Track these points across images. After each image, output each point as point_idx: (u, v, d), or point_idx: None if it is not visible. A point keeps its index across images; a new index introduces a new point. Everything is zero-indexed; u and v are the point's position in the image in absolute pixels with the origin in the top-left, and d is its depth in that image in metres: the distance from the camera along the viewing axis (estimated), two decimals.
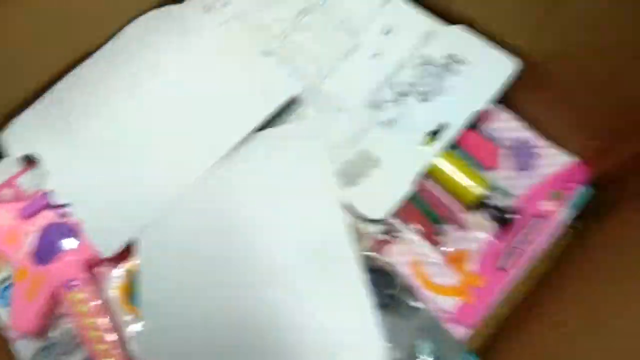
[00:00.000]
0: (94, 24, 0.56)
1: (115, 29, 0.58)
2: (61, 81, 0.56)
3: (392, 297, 0.48)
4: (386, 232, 0.51)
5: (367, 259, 0.49)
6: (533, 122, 0.56)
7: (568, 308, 0.47)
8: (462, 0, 0.55)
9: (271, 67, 0.55)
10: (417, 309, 0.48)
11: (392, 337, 0.46)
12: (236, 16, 0.59)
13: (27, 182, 0.54)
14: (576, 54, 0.48)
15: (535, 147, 0.55)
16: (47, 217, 0.51)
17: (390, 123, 0.53)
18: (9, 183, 0.54)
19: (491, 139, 0.55)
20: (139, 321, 0.48)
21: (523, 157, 0.55)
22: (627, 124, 0.48)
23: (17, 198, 0.53)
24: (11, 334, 0.49)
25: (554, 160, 0.55)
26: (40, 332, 0.48)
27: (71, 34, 0.54)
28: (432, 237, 0.51)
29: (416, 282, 0.50)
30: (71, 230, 0.49)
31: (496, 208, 0.51)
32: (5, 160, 0.55)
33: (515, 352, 0.48)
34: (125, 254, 0.50)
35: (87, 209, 0.50)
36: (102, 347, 0.46)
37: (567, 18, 0.47)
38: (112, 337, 0.46)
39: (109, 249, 0.48)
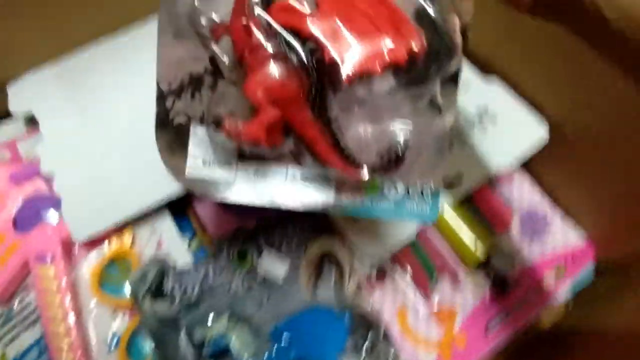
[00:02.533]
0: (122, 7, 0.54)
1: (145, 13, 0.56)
2: (82, 50, 0.54)
3: (368, 342, 0.46)
4: (379, 273, 0.49)
5: (353, 300, 0.47)
6: (550, 192, 0.55)
7: None
8: (503, 56, 0.53)
9: None
10: (394, 358, 0.46)
11: None
12: None
13: (27, 146, 0.52)
14: (604, 136, 0.47)
15: (550, 219, 0.53)
16: (35, 185, 0.48)
17: None
18: (9, 145, 0.52)
19: (506, 202, 0.53)
20: (104, 307, 0.46)
21: (535, 226, 0.53)
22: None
23: (13, 161, 0.51)
24: None
25: (565, 235, 0.53)
26: (4, 300, 0.46)
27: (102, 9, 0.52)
28: (424, 287, 0.49)
29: (398, 330, 0.47)
30: (57, 203, 0.47)
31: (496, 273, 0.49)
32: (10, 121, 0.53)
33: None
34: (104, 237, 0.48)
35: (70, 187, 0.47)
36: (60, 327, 0.43)
37: (599, 98, 0.45)
38: (71, 319, 0.44)
39: (81, 235, 0.46)
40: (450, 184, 0.50)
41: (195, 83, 0.35)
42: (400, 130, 0.34)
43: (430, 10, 0.33)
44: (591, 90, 0.45)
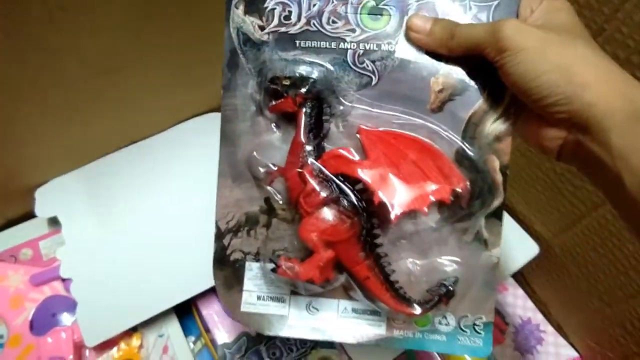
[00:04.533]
0: (148, 118, 0.57)
1: (167, 124, 0.59)
2: (105, 158, 0.57)
3: None
4: None
5: None
6: (542, 307, 0.57)
7: None
8: None
9: None
10: None
11: None
12: None
13: (48, 246, 0.54)
14: (589, 258, 0.49)
15: (543, 332, 0.55)
16: (54, 288, 0.51)
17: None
18: (32, 243, 0.54)
19: (500, 314, 0.56)
20: None
21: (528, 339, 0.55)
22: (631, 342, 0.48)
23: (34, 260, 0.53)
24: None
25: (558, 350, 0.54)
26: None
27: (124, 123, 0.56)
28: None
29: None
30: (73, 306, 0.49)
31: None
32: (35, 220, 0.56)
33: None
34: (115, 341, 0.49)
35: (86, 293, 0.49)
36: None
37: (589, 226, 0.48)
38: None
39: (93, 341, 0.48)
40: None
41: (251, 222, 0.36)
42: (448, 264, 0.35)
43: (470, 153, 0.34)
44: (575, 214, 0.48)
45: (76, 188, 0.55)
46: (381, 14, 0.34)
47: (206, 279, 0.49)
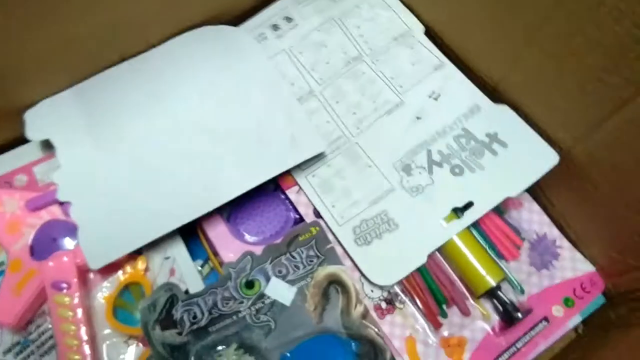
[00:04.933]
0: (140, 31, 0.55)
1: (162, 38, 0.57)
2: (96, 77, 0.55)
3: None
4: (388, 301, 0.49)
5: (361, 327, 0.47)
6: (560, 220, 0.55)
7: None
8: (511, 85, 0.53)
9: (305, 118, 0.54)
10: None
11: None
12: (287, 51, 0.58)
13: (43, 170, 0.53)
14: (620, 165, 0.46)
15: (559, 247, 0.53)
16: (52, 213, 0.50)
17: (417, 190, 0.51)
18: (26, 169, 0.53)
19: (516, 230, 0.53)
20: (119, 337, 0.47)
21: (544, 255, 0.53)
22: None
23: (30, 186, 0.52)
24: None
25: (574, 264, 0.53)
26: (20, 326, 0.47)
27: (116, 38, 0.53)
28: (433, 317, 0.49)
29: (407, 359, 0.47)
30: (73, 230, 0.48)
31: (505, 303, 0.49)
32: (27, 145, 0.54)
33: None
34: (119, 264, 0.49)
35: (87, 216, 0.48)
36: (75, 356, 0.44)
37: (617, 126, 0.45)
38: (86, 348, 0.45)
39: (97, 262, 0.47)
40: (461, 210, 0.50)
41: None
42: None
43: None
44: (602, 115, 0.45)
45: (68, 108, 0.53)
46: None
47: (211, 200, 0.49)
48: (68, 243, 0.49)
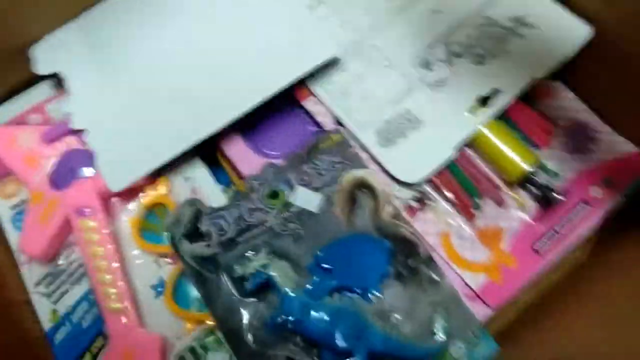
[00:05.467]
0: None
1: None
2: (99, 5, 0.53)
3: (413, 268, 0.44)
4: (418, 199, 0.48)
5: (392, 226, 0.46)
6: (594, 102, 0.52)
7: (596, 303, 0.43)
8: None
9: (316, 24, 0.52)
10: (437, 282, 0.45)
11: (410, 308, 0.43)
12: None
13: (56, 108, 0.53)
14: None
15: (595, 131, 0.50)
16: (68, 143, 0.49)
17: (439, 84, 0.49)
18: (38, 108, 0.52)
19: (546, 116, 0.51)
20: (147, 256, 0.47)
21: (579, 139, 0.50)
22: None
23: (44, 123, 0.52)
24: (20, 258, 0.47)
25: (612, 147, 0.50)
26: (49, 257, 0.47)
27: None
28: (466, 209, 0.47)
29: (443, 255, 0.46)
30: (91, 158, 0.47)
31: (541, 187, 0.47)
32: (38, 85, 0.54)
33: (534, 343, 0.44)
34: (141, 187, 0.48)
35: (103, 141, 0.48)
36: (106, 276, 0.44)
37: None
38: (117, 267, 0.44)
39: (117, 185, 0.46)
40: (485, 100, 0.48)
41: None
42: None
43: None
44: None
45: (74, 39, 0.52)
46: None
47: (226, 113, 0.48)
48: (87, 171, 0.48)
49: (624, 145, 0.50)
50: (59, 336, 0.45)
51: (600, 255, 0.49)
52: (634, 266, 0.45)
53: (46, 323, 0.46)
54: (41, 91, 0.54)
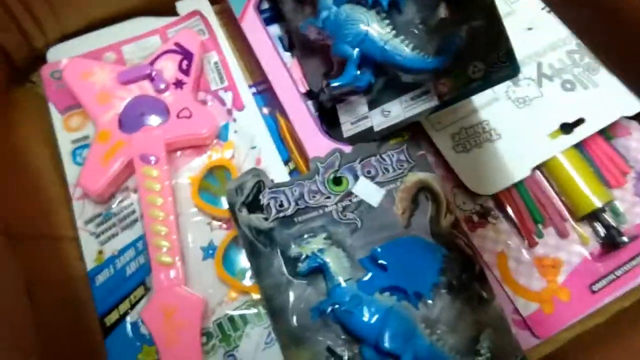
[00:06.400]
0: None
1: None
2: None
3: (463, 281, 0.44)
4: (481, 214, 0.47)
5: (450, 235, 0.45)
6: None
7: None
8: None
9: None
10: (488, 301, 0.44)
11: (456, 322, 0.42)
12: None
13: (132, 51, 0.52)
14: None
15: None
16: (143, 88, 0.48)
17: (524, 101, 0.48)
18: (114, 47, 0.52)
19: (622, 156, 0.49)
20: (203, 216, 0.47)
21: None
22: None
23: (119, 65, 0.51)
24: (75, 193, 0.47)
25: None
26: (105, 197, 0.46)
27: None
28: (529, 235, 0.46)
29: (496, 275, 0.45)
30: (164, 108, 0.47)
31: (608, 227, 0.46)
32: (115, 26, 0.53)
33: None
34: (207, 147, 0.48)
35: None
36: (161, 228, 0.43)
37: None
38: (172, 220, 0.44)
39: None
40: (569, 127, 0.46)
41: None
42: None
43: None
44: None
45: None
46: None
47: None
48: (155, 120, 0.47)
49: None
50: (101, 278, 0.45)
51: None
52: None
53: (90, 263, 0.45)
54: (118, 31, 0.53)
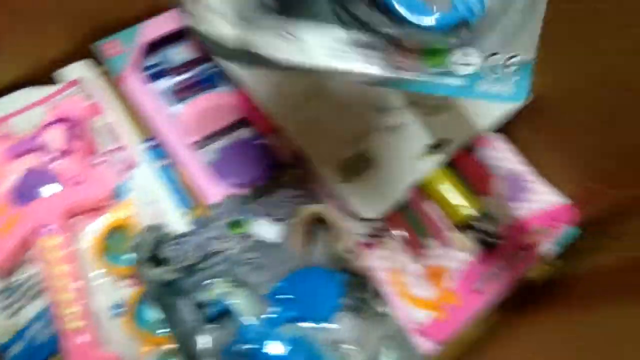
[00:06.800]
0: None
1: None
2: None
3: (362, 301, 0.47)
4: (371, 235, 0.51)
5: (345, 260, 0.49)
6: (530, 156, 0.57)
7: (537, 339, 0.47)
8: None
9: None
10: (385, 316, 0.48)
11: (361, 340, 0.46)
12: None
13: (20, 123, 0.52)
14: (582, 95, 0.49)
15: (528, 181, 0.56)
16: (34, 160, 0.49)
17: (394, 129, 0.53)
18: (1, 121, 0.52)
19: (486, 166, 0.56)
20: (108, 276, 0.48)
21: (514, 189, 0.56)
22: (621, 170, 0.50)
23: (7, 138, 0.51)
24: None
25: (544, 197, 0.56)
26: (6, 272, 0.46)
27: None
28: (415, 248, 0.51)
29: (392, 290, 0.49)
30: (56, 177, 0.48)
31: (483, 232, 0.51)
32: (3, 99, 0.53)
33: None
34: (104, 208, 0.49)
35: None
36: (65, 295, 0.44)
37: (579, 59, 0.48)
38: (76, 287, 0.45)
39: None
40: (436, 147, 0.52)
41: None
42: None
43: None
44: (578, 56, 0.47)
45: None
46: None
47: None
48: (49, 190, 0.48)
49: (554, 197, 0.56)
50: (13, 351, 0.45)
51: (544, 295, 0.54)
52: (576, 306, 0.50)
53: (1, 337, 0.45)
54: (5, 104, 0.53)
